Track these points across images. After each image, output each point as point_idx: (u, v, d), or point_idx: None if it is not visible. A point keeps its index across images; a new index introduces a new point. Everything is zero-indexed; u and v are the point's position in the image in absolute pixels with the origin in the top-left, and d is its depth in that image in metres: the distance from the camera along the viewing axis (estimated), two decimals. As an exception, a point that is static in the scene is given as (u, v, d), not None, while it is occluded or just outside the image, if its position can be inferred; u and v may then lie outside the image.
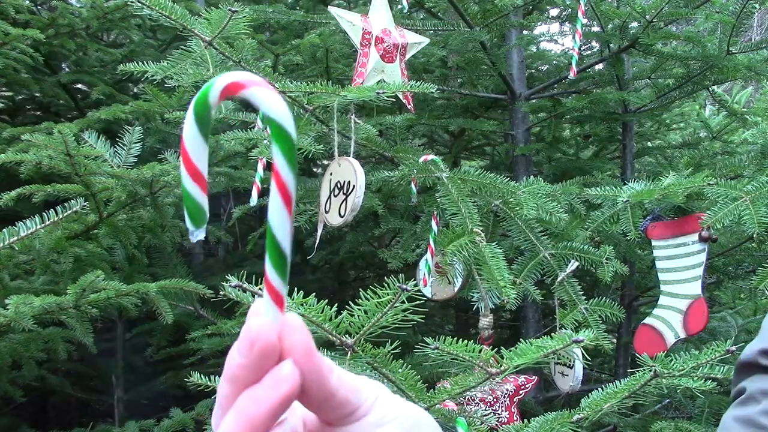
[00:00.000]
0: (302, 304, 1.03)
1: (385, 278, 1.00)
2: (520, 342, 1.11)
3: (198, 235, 0.44)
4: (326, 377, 0.40)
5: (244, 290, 1.06)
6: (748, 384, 0.74)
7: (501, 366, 1.09)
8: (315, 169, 3.18)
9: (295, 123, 0.38)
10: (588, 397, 1.23)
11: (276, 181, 0.38)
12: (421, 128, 3.06)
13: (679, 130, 3.87)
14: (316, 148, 1.51)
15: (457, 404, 1.30)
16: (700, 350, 1.19)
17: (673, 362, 1.17)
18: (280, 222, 0.38)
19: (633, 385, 1.18)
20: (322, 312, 1.03)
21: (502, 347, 1.11)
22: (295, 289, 1.07)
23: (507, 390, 1.55)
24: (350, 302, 1.04)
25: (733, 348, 1.13)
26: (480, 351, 1.08)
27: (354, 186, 1.47)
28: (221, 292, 1.10)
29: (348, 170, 1.49)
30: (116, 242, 1.95)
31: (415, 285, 1.01)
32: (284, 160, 0.38)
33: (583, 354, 1.17)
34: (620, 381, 1.22)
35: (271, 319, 0.39)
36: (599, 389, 1.23)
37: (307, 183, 2.11)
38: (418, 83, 1.54)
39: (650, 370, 1.15)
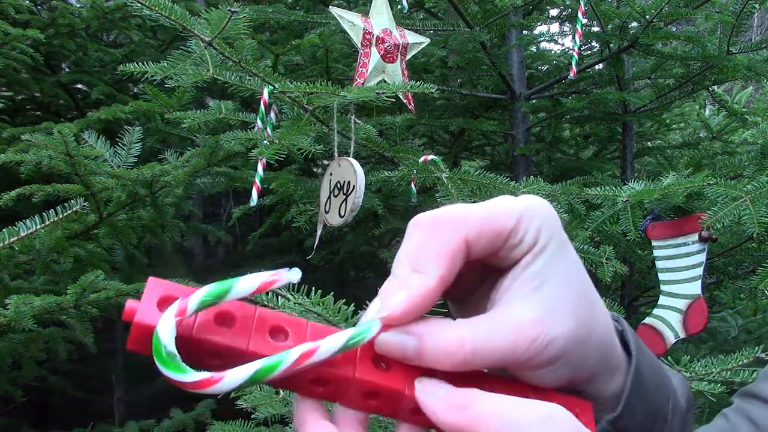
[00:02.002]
0: (319, 303, 1.03)
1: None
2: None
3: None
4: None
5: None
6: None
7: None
8: (315, 169, 3.18)
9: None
10: None
11: None
12: (421, 128, 3.06)
13: (679, 130, 3.87)
14: (316, 148, 1.51)
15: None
16: (699, 349, 1.18)
17: (694, 364, 1.13)
18: None
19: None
20: (339, 312, 1.03)
21: None
22: (307, 286, 1.07)
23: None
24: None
25: (763, 355, 1.10)
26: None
27: (354, 186, 1.46)
28: None
29: (348, 170, 1.49)
30: (116, 242, 1.95)
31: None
32: None
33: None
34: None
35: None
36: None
37: (307, 183, 2.11)
38: (418, 83, 1.54)
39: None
